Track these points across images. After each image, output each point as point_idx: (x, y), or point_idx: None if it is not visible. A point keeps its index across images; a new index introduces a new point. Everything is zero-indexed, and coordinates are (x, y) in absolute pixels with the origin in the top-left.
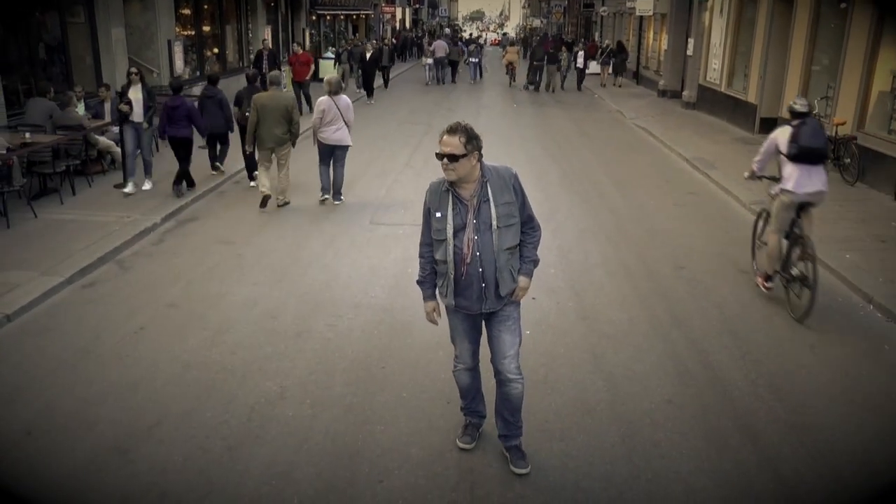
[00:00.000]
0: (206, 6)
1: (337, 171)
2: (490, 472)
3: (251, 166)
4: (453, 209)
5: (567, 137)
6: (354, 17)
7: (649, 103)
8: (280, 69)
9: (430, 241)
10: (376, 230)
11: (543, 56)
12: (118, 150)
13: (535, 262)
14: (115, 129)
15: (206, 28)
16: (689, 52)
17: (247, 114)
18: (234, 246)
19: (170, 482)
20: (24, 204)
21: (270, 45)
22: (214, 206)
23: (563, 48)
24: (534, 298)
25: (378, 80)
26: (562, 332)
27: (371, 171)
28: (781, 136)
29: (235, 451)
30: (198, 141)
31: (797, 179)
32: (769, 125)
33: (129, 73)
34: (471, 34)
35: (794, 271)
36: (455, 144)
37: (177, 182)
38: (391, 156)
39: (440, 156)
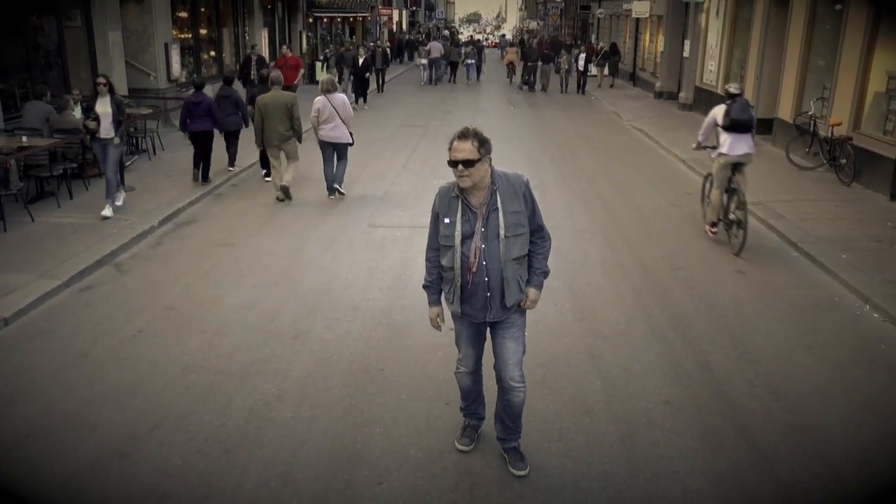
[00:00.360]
0: (202, 9)
1: (339, 167)
2: (489, 472)
3: (264, 161)
4: (462, 216)
5: (564, 139)
6: (351, 19)
7: (646, 105)
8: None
9: (436, 246)
10: (374, 232)
11: (538, 57)
12: None
13: (545, 274)
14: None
15: (203, 31)
16: (686, 53)
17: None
18: (231, 248)
19: (169, 484)
20: (21, 207)
21: (260, 52)
22: (212, 209)
23: (563, 51)
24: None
25: (372, 84)
26: (560, 332)
27: (368, 174)
28: (718, 112)
29: (234, 453)
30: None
31: (730, 145)
32: (766, 126)
33: (96, 84)
34: (471, 36)
35: (732, 217)
36: (469, 150)
37: (201, 171)
38: (389, 159)
39: (454, 163)
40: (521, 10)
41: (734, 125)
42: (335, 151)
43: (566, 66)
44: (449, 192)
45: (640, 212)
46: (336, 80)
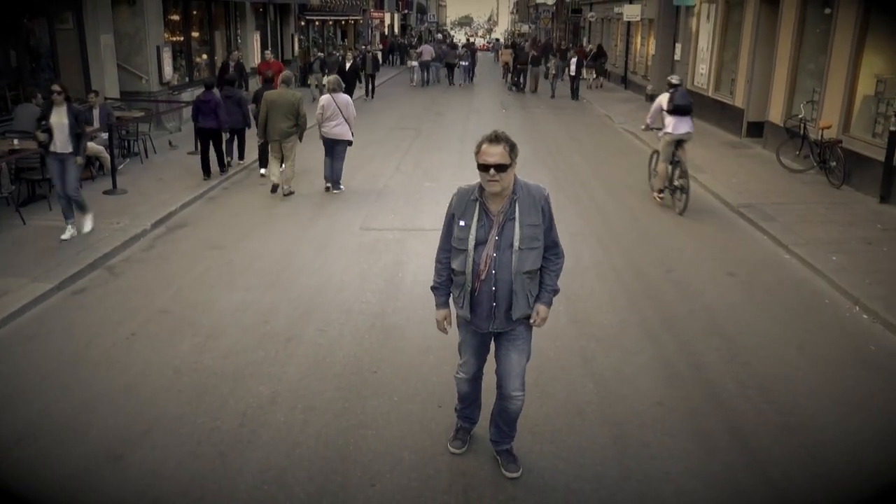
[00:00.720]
0: (194, 12)
1: (336, 164)
2: (482, 474)
3: (264, 157)
4: (478, 221)
5: (556, 141)
6: (343, 22)
7: (637, 108)
8: (246, 81)
9: (448, 248)
10: (367, 235)
11: (526, 59)
12: (107, 156)
13: (556, 292)
14: (105, 135)
15: (195, 34)
16: (677, 56)
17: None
18: (224, 251)
19: (163, 487)
20: (13, 210)
21: (239, 57)
22: (205, 212)
23: (551, 55)
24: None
25: (359, 91)
26: (552, 335)
27: (361, 177)
28: (663, 99)
29: (227, 456)
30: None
31: (674, 125)
32: (757, 129)
33: (51, 92)
34: (468, 39)
35: (676, 184)
36: (500, 153)
37: (206, 167)
38: (381, 161)
39: (485, 167)
40: (512, 13)
41: (677, 109)
42: (334, 147)
43: (553, 71)
44: (468, 195)
45: (633, 214)
46: (321, 83)
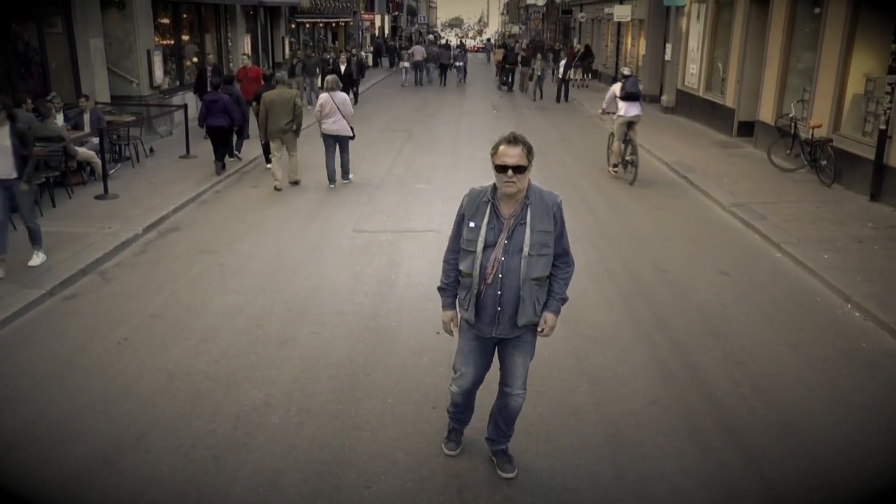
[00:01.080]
0: (184, 15)
1: (343, 157)
2: (477, 475)
3: (267, 152)
4: (488, 223)
5: (548, 142)
6: (334, 24)
7: None
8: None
9: (456, 248)
10: (359, 237)
11: (515, 59)
12: (98, 161)
13: (564, 300)
14: (96, 139)
15: (186, 37)
16: (667, 57)
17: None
18: (217, 255)
19: (157, 492)
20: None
21: (215, 61)
22: (197, 215)
23: (539, 55)
24: None
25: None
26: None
27: (353, 179)
28: (616, 88)
29: (222, 459)
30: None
31: (625, 109)
32: (747, 129)
33: None
34: (460, 40)
35: (627, 159)
36: (518, 155)
37: (219, 159)
38: (373, 163)
39: (503, 168)
40: (502, 14)
41: (628, 96)
42: (336, 143)
43: (539, 73)
44: (480, 196)
45: (625, 215)
46: (303, 87)
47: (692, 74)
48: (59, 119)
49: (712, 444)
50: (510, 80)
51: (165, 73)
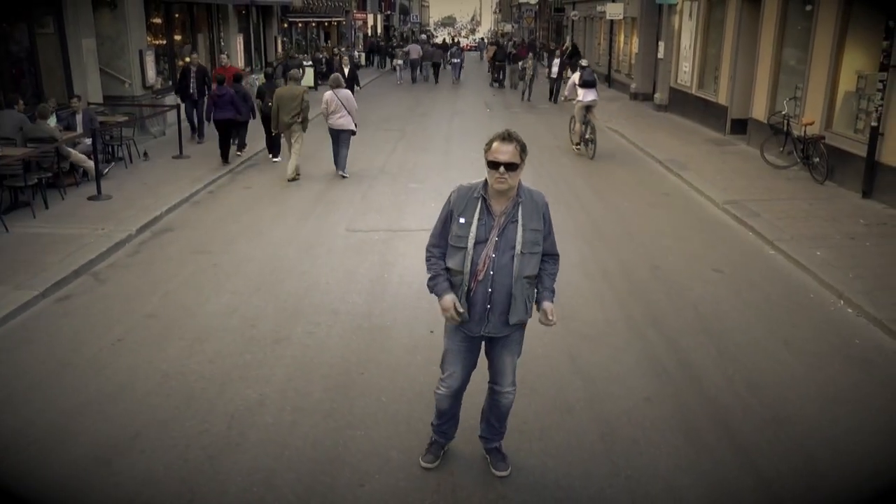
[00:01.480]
0: (177, 15)
1: (341, 152)
2: (471, 473)
3: (271, 146)
4: (479, 219)
5: (541, 141)
6: (326, 24)
7: (621, 106)
8: (208, 88)
9: (439, 244)
10: (352, 237)
11: (504, 57)
12: (91, 163)
13: (553, 293)
14: (88, 140)
15: (178, 37)
16: (660, 55)
17: (269, 104)
18: (210, 255)
19: (152, 492)
20: None
21: (199, 61)
22: (190, 216)
23: (530, 53)
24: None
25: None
26: (540, 333)
27: (345, 178)
28: (576, 76)
29: (216, 459)
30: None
31: (583, 95)
32: (740, 126)
33: None
34: (454, 39)
35: (587, 137)
36: (511, 152)
37: (224, 154)
38: (366, 163)
39: (495, 164)
40: (495, 12)
41: (585, 83)
42: (340, 136)
43: (531, 73)
44: (470, 192)
45: (619, 212)
46: None
47: (685, 72)
48: (52, 120)
49: (707, 441)
50: (501, 76)
51: (158, 73)
